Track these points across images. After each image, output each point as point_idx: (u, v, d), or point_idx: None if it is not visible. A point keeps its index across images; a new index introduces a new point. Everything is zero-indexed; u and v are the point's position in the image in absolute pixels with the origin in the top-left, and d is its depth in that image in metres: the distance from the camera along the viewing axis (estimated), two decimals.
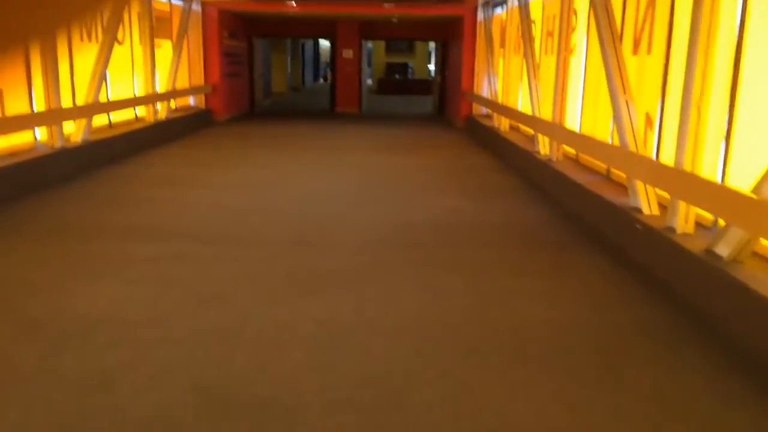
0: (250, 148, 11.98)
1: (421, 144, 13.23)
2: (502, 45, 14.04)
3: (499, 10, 14.45)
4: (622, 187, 6.98)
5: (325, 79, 35.93)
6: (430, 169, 10.24)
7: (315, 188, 8.51)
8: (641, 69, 6.96)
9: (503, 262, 5.62)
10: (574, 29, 8.86)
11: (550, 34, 10.47)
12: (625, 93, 6.50)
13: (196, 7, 15.39)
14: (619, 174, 7.31)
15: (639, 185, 5.99)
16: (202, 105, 16.02)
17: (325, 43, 34.05)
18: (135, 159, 10.38)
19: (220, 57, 16.24)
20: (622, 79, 6.57)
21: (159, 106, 13.02)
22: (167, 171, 9.54)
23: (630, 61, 6.87)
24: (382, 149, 12.30)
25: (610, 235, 6.27)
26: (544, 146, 9.57)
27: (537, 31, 10.96)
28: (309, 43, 34.52)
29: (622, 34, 7.20)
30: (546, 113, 9.99)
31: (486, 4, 14.83)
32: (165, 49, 13.98)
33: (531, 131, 11.20)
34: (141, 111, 12.52)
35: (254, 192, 8.22)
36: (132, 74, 12.21)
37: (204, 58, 15.88)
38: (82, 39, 10.16)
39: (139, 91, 12.30)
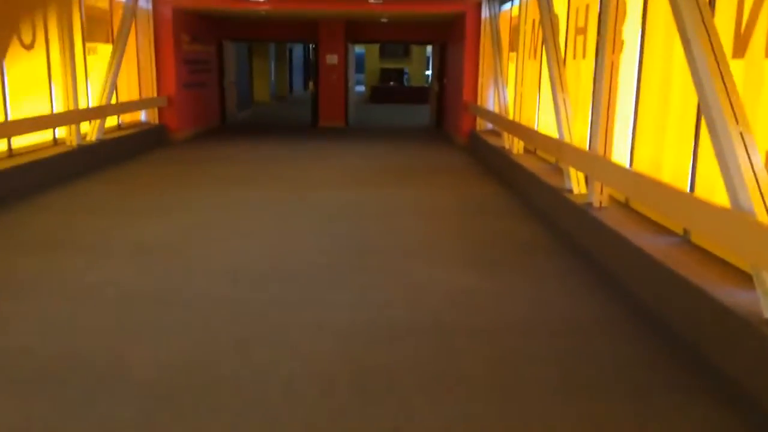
0: (193, 183, 9.40)
1: (414, 170, 10.67)
2: (513, 48, 11.52)
3: (507, 6, 11.94)
4: (728, 268, 4.42)
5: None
6: (423, 211, 7.68)
7: (258, 252, 5.95)
8: (753, 83, 4.41)
9: None
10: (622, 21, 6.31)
11: (581, 31, 7.94)
12: (738, 123, 3.94)
13: (145, 5, 12.85)
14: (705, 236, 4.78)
15: None
16: (155, 120, 13.47)
17: None
18: (29, 200, 7.83)
19: (177, 64, 13.69)
20: (730, 99, 4.01)
21: (93, 124, 10.50)
22: (60, 221, 6.98)
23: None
24: (365, 179, 9.74)
25: (741, 377, 3.70)
26: (578, 183, 7.02)
27: (561, 28, 8.43)
28: (298, 47, 31.99)
29: None
30: (578, 137, 7.45)
31: None
32: (103, 56, 11.44)
33: (553, 159, 8.67)
34: (62, 132, 9.98)
35: (166, 260, 5.66)
36: (49, 87, 9.66)
37: (156, 66, 13.32)
38: None
39: (59, 108, 9.76)
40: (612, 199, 6.43)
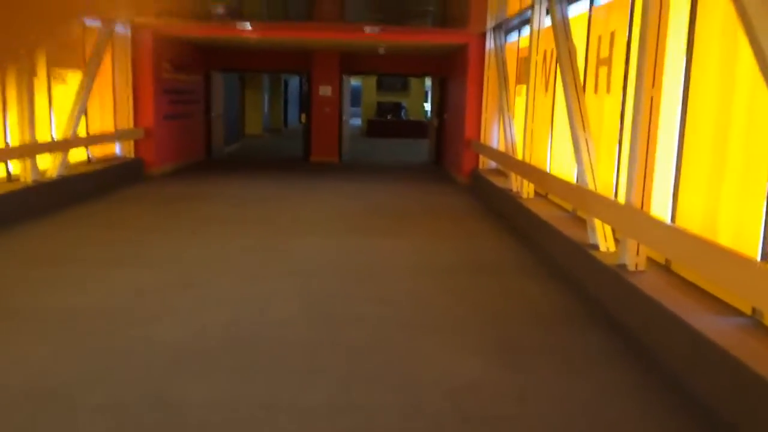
0: (160, 227, 8.29)
1: (411, 214, 9.58)
2: (521, 81, 10.56)
3: (514, 36, 11.01)
4: None
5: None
6: (421, 267, 6.57)
7: (216, 322, 4.83)
8: None
9: None
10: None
11: (604, 62, 6.94)
12: None
13: (123, 31, 11.89)
14: None
15: None
16: (132, 154, 12.41)
17: None
18: None
19: (157, 94, 12.69)
20: None
21: (56, 158, 9.44)
22: None
23: None
24: (356, 225, 8.65)
25: None
26: (605, 239, 5.93)
27: (579, 59, 7.42)
28: (294, 79, 31.17)
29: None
30: (603, 183, 6.40)
31: (497, 29, 11.38)
32: (74, 84, 10.42)
33: (569, 206, 7.61)
34: (17, 167, 8.90)
35: (100, 332, 4.54)
36: (2, 117, 8.62)
37: (134, 96, 12.32)
38: None
39: (14, 141, 8.70)
40: (649, 260, 5.34)
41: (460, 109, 13.28)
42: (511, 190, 9.45)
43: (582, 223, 6.96)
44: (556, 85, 8.46)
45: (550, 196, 8.64)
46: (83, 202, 9.48)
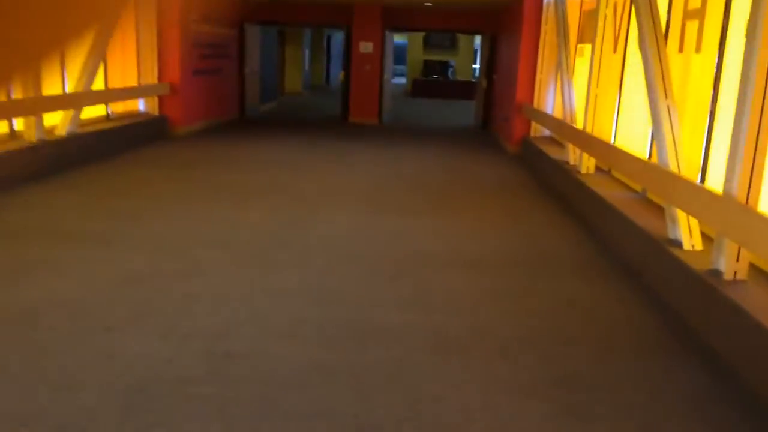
0: (173, 195, 7.42)
1: (455, 189, 8.51)
2: (582, 39, 9.31)
3: None
4: None
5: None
6: (465, 259, 5.53)
7: (201, 334, 3.92)
8: None
9: None
10: None
11: (693, 14, 5.71)
12: None
13: None
14: None
15: None
16: (156, 111, 11.58)
17: None
18: None
19: (184, 47, 11.78)
20: None
21: (66, 115, 8.64)
22: None
23: None
24: (390, 200, 7.65)
25: None
26: (690, 236, 4.81)
27: (661, 11, 6.17)
28: (338, 35, 29.97)
29: None
30: (686, 162, 5.24)
31: None
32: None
33: (638, 186, 6.45)
34: (20, 125, 8.12)
35: (54, 340, 3.68)
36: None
37: (159, 48, 11.42)
38: None
39: (18, 94, 7.90)
40: (752, 266, 4.22)
41: (512, 70, 12.03)
42: (567, 163, 8.31)
43: (656, 208, 5.84)
44: (628, 43, 7.25)
45: (613, 172, 7.49)
46: (93, 163, 8.68)
